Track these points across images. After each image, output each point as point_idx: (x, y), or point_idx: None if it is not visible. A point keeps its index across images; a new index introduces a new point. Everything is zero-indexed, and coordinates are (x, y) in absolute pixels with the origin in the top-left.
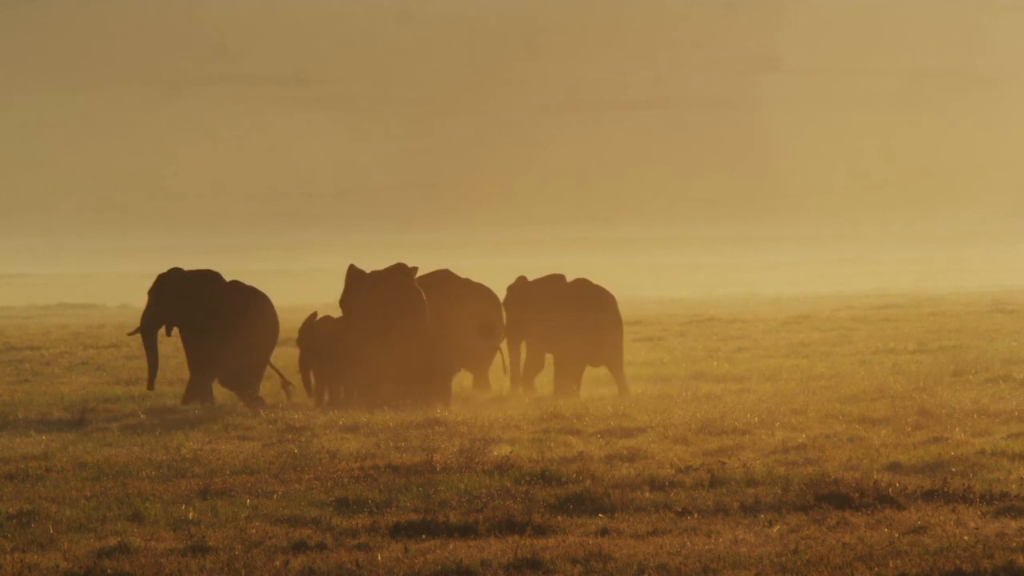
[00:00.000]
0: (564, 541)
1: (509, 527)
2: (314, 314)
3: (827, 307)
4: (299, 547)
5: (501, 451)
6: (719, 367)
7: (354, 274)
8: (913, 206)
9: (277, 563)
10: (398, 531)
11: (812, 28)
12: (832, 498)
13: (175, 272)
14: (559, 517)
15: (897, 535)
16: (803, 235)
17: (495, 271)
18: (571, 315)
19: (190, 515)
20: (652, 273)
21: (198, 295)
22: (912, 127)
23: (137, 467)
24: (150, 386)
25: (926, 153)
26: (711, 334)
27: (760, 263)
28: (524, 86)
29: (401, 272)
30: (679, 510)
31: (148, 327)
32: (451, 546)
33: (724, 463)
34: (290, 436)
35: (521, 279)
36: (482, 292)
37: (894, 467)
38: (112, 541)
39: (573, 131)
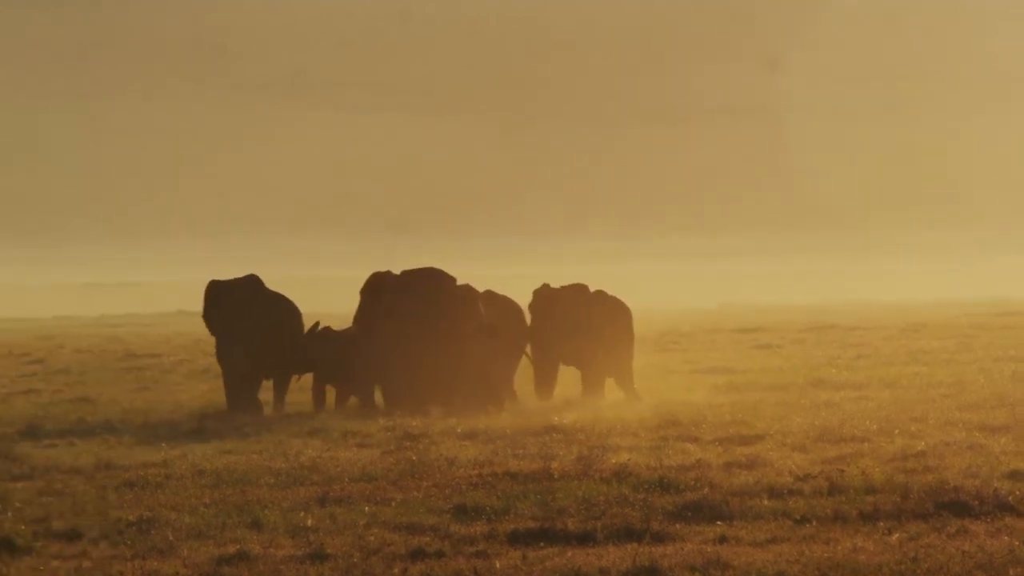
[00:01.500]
0: (682, 549)
1: (627, 534)
2: (316, 324)
3: (945, 314)
4: (417, 554)
5: (619, 458)
6: (838, 374)
7: (379, 278)
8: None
9: (395, 570)
10: (516, 538)
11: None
12: (952, 506)
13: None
14: (677, 525)
15: (1017, 543)
16: (914, 243)
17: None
18: (585, 325)
19: (309, 522)
20: (765, 281)
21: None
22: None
23: (256, 474)
24: None
25: None
26: (830, 341)
27: (872, 271)
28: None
29: (439, 276)
30: (797, 518)
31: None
32: (569, 553)
33: (843, 471)
34: (408, 443)
35: (545, 286)
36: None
37: (1014, 475)
38: (231, 548)
39: (664, 138)
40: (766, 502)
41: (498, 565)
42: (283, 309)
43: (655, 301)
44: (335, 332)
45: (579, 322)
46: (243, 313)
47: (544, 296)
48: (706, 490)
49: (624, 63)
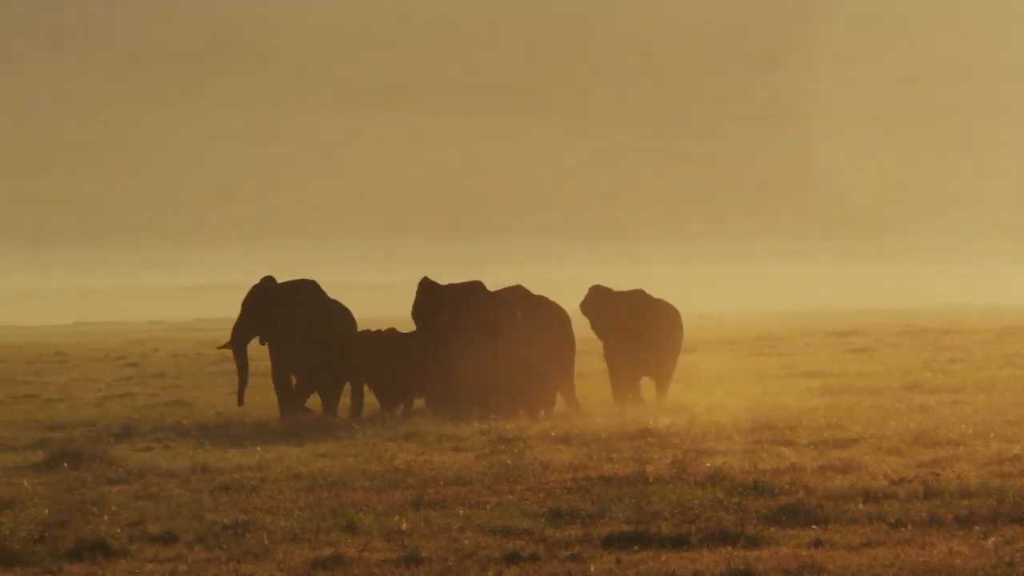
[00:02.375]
0: (777, 553)
1: (721, 538)
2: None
3: None
4: (512, 558)
5: (713, 462)
6: (933, 378)
7: (429, 286)
8: None
9: (490, 574)
10: (610, 542)
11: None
12: None
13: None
14: (771, 528)
15: None
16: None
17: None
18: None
19: (403, 525)
20: (855, 284)
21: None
22: None
23: (351, 478)
24: (239, 401)
25: None
26: (925, 345)
27: (970, 273)
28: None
29: (481, 287)
30: (892, 522)
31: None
32: (663, 557)
33: (938, 474)
34: (503, 447)
35: (601, 288)
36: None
37: None
38: (326, 551)
39: (777, 138)
40: (861, 506)
41: (592, 569)
42: (338, 314)
43: (748, 304)
44: (377, 335)
45: (634, 325)
46: (299, 317)
47: (601, 297)
48: (801, 494)
49: (683, 63)
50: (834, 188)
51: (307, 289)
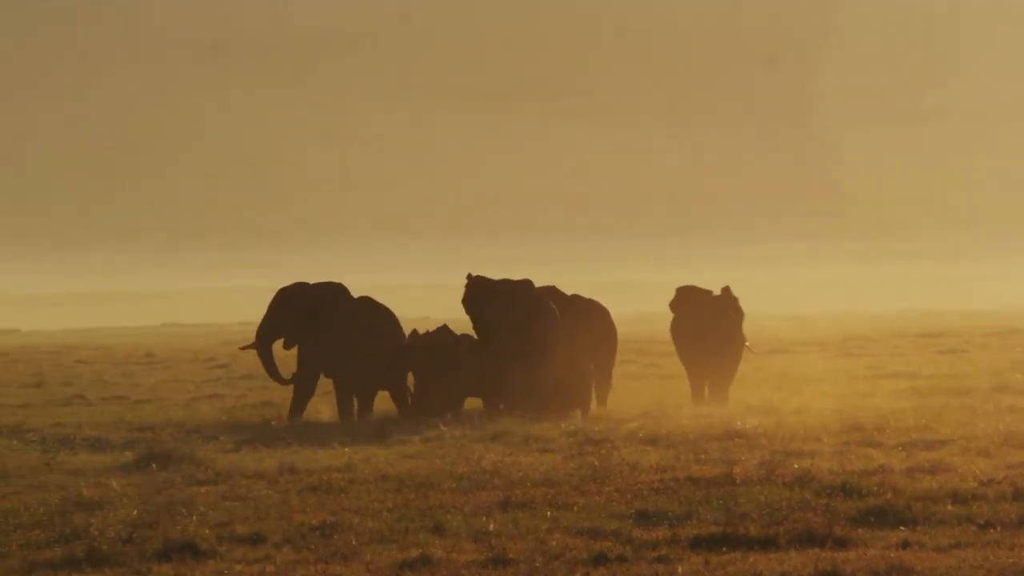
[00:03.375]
0: (865, 554)
1: (809, 540)
2: (413, 331)
3: None
4: (599, 559)
5: (801, 463)
6: (1023, 379)
7: (478, 283)
8: None
9: (577, 575)
10: (698, 543)
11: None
12: None
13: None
14: (859, 530)
15: None
16: None
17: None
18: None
19: (491, 527)
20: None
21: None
22: None
23: (439, 479)
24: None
25: None
26: (1014, 346)
27: None
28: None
29: (529, 285)
30: (981, 523)
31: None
32: (751, 559)
33: None
34: (590, 448)
35: (690, 287)
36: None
37: None
38: (414, 553)
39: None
40: (949, 507)
41: (680, 570)
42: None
43: (837, 306)
44: (428, 336)
45: (710, 324)
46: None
47: (687, 295)
48: (889, 495)
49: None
50: (915, 191)
51: (339, 291)
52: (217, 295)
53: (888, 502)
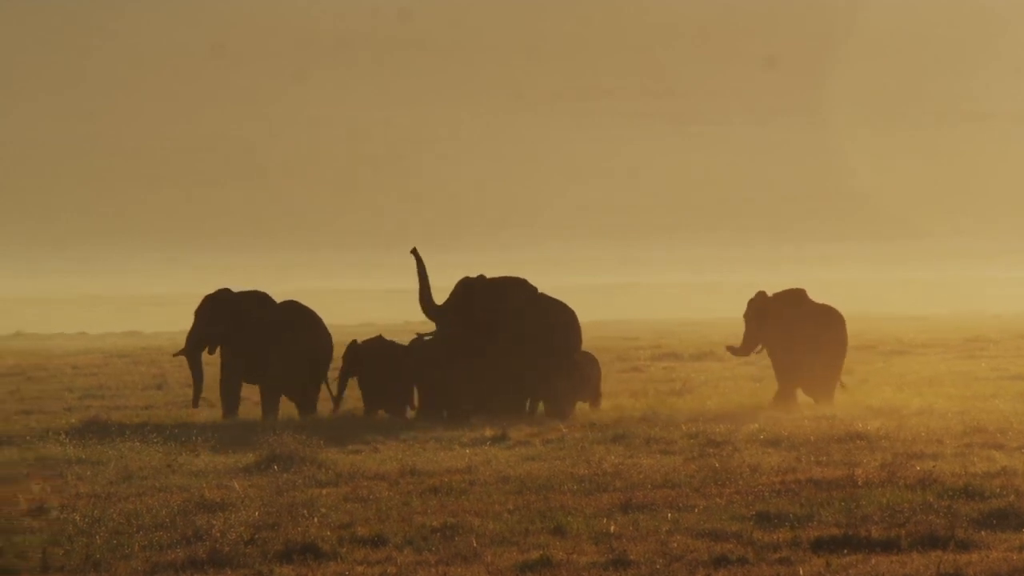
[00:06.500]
0: (987, 556)
1: (931, 542)
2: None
3: None
4: (720, 561)
5: (923, 465)
6: None
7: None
8: None
9: None
10: (820, 545)
11: None
12: None
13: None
14: (982, 532)
15: None
16: None
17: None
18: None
19: (612, 529)
20: None
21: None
22: None
23: (559, 481)
24: (195, 404)
25: None
26: None
27: None
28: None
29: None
30: None
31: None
32: (873, 561)
33: None
34: (711, 450)
35: (761, 294)
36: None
37: None
38: (534, 554)
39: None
40: None
41: (801, 572)
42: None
43: (959, 307)
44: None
45: (794, 329)
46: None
47: (761, 304)
48: (1012, 498)
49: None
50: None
51: (261, 299)
52: (336, 296)
53: (1011, 504)
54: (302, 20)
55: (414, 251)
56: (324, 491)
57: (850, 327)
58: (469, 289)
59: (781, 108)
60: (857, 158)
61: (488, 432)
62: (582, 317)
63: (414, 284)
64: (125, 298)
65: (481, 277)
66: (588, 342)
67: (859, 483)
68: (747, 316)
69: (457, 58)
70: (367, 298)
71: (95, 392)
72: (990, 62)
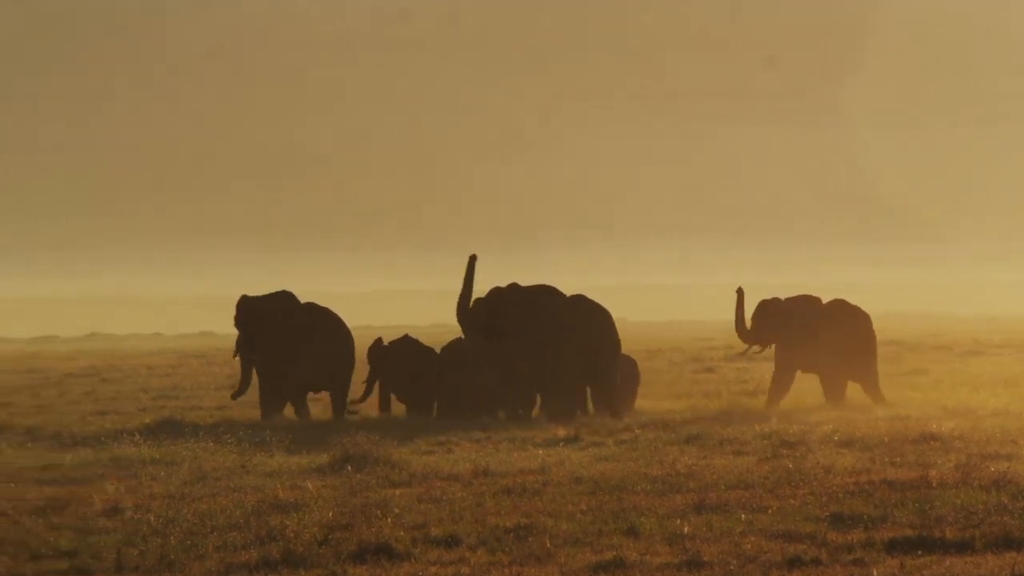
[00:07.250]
0: None
1: (1006, 543)
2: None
3: None
4: (794, 562)
5: (998, 466)
6: None
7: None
8: None
9: None
10: (894, 547)
11: None
12: None
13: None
14: None
15: None
16: None
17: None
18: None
19: (685, 529)
20: None
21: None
22: None
23: (632, 481)
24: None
25: None
26: None
27: None
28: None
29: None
30: None
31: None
32: (947, 562)
33: None
34: (785, 451)
35: (775, 299)
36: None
37: None
38: (608, 555)
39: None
40: None
41: (875, 574)
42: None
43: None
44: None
45: (810, 331)
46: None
47: (771, 307)
48: None
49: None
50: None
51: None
52: (382, 297)
53: None
54: (302, 20)
55: (473, 258)
56: (398, 491)
57: (897, 326)
58: (500, 298)
59: (800, 109)
60: (873, 159)
61: (561, 433)
62: (639, 317)
63: (414, 285)
64: (200, 298)
65: (514, 285)
66: (660, 343)
67: (933, 484)
68: (759, 318)
69: (457, 58)
70: (368, 298)
71: (169, 393)
72: (1009, 62)
